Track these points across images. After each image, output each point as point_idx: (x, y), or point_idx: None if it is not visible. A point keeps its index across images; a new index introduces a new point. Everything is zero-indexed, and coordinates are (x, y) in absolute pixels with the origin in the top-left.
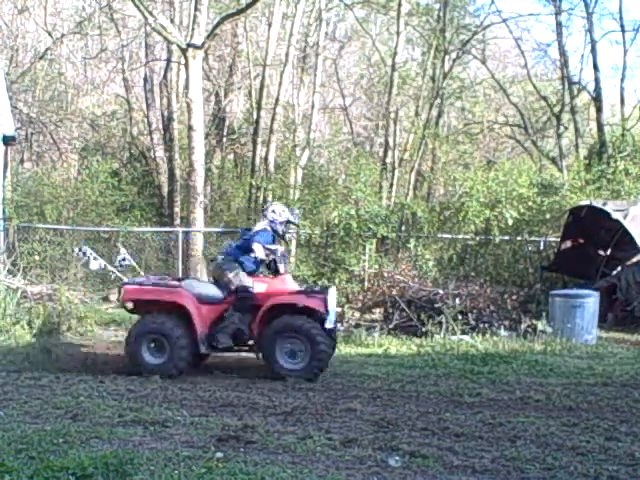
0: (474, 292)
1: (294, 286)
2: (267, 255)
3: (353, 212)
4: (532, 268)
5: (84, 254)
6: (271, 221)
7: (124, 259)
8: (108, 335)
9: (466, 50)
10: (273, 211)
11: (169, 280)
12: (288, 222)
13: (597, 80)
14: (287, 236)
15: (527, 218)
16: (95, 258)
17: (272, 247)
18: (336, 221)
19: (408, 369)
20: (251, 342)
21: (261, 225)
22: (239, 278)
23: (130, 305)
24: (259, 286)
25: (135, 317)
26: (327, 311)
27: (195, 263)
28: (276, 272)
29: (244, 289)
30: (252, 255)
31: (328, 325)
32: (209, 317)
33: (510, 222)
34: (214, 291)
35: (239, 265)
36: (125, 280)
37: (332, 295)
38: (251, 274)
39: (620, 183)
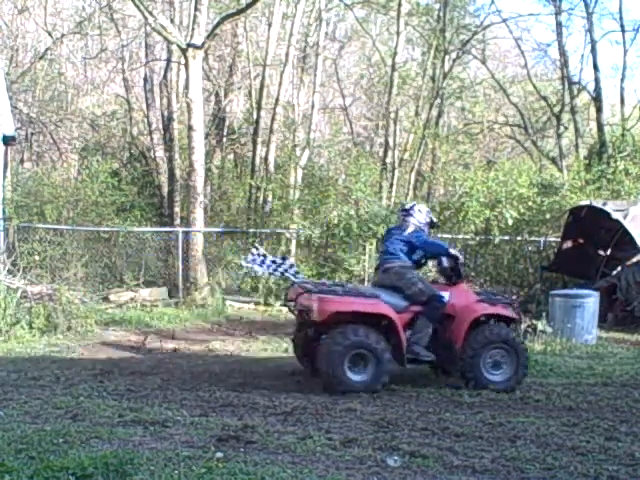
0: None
1: (472, 293)
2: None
3: (353, 212)
4: (532, 268)
5: (259, 255)
6: (420, 223)
7: (291, 265)
8: (108, 335)
9: (466, 50)
10: (419, 211)
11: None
12: (431, 223)
13: (597, 80)
14: None
15: (527, 218)
16: (263, 263)
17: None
18: (336, 221)
19: (408, 369)
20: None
21: (412, 226)
22: (428, 286)
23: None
24: (445, 294)
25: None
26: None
27: (195, 263)
28: (457, 277)
29: (438, 298)
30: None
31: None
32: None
33: (510, 222)
34: (398, 300)
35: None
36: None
37: None
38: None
39: (620, 183)
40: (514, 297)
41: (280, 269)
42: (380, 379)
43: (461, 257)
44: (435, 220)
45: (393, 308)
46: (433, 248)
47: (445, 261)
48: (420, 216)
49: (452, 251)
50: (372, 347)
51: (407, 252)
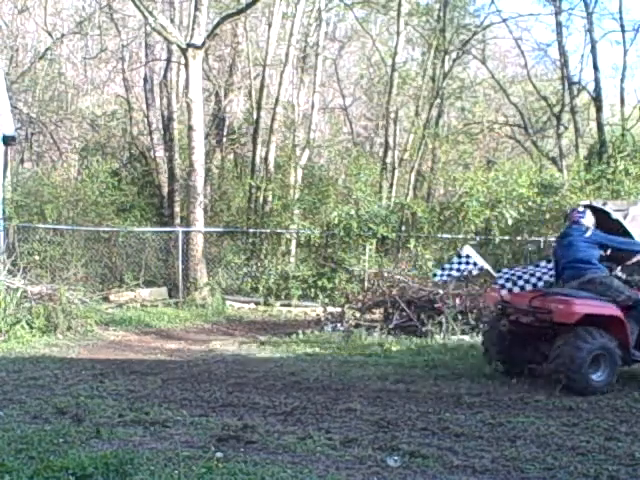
0: (474, 292)
1: None
2: None
3: (353, 212)
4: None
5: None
6: (591, 223)
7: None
8: (108, 335)
9: (466, 50)
10: (589, 214)
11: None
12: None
13: (597, 80)
14: None
15: (527, 218)
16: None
17: None
18: (336, 221)
19: (408, 369)
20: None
21: (590, 226)
22: (632, 292)
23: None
24: None
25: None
26: None
27: (195, 263)
28: None
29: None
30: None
31: None
32: None
33: (510, 222)
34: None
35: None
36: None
37: None
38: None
39: (620, 183)
40: None
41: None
42: (612, 380)
43: None
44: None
45: None
46: (628, 245)
47: None
48: (591, 219)
49: None
50: (609, 349)
51: (597, 257)
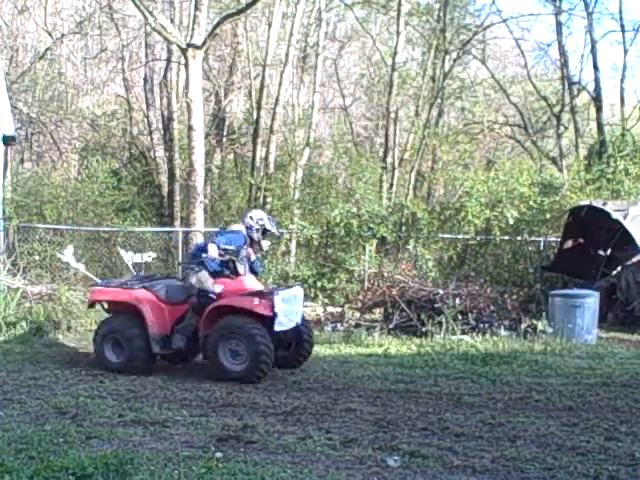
0: (474, 292)
1: (254, 287)
2: (221, 255)
3: (355, 210)
4: (532, 268)
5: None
6: (247, 227)
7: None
8: None
9: (466, 50)
10: (251, 217)
11: None
12: (265, 230)
13: (597, 80)
14: (263, 243)
15: (527, 218)
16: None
17: (229, 247)
18: (337, 220)
19: (408, 369)
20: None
21: (236, 227)
22: (200, 279)
23: None
24: (218, 287)
25: None
26: (274, 313)
27: None
28: (236, 273)
29: (205, 293)
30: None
31: (277, 327)
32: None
33: (511, 222)
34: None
35: (203, 266)
36: None
37: (288, 296)
38: (214, 275)
39: (620, 183)
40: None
41: None
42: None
43: (209, 253)
44: (270, 227)
45: (167, 299)
46: (202, 247)
47: (215, 254)
48: (250, 222)
49: (208, 246)
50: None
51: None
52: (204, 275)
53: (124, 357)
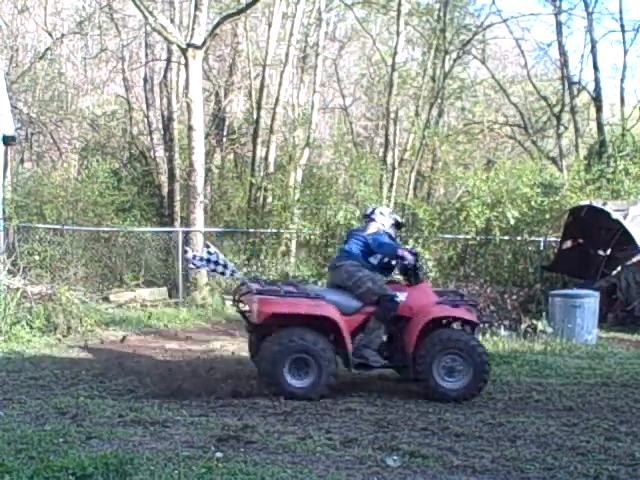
0: (474, 292)
1: (433, 294)
2: (415, 261)
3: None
4: (532, 268)
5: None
6: (381, 225)
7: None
8: (108, 335)
9: (466, 50)
10: (381, 213)
11: None
12: (396, 224)
13: (597, 80)
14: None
15: (527, 218)
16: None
17: (414, 251)
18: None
19: None
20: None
21: (374, 227)
22: (378, 285)
23: None
24: (401, 295)
25: None
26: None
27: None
28: (414, 279)
29: (389, 299)
30: (394, 261)
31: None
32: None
33: (512, 222)
34: (349, 301)
35: (372, 270)
36: None
37: None
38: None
39: (620, 183)
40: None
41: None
42: (322, 383)
43: (410, 259)
44: (401, 220)
45: (342, 310)
46: (384, 250)
47: (408, 260)
48: (383, 219)
49: (400, 252)
50: (313, 350)
51: (363, 253)
52: (380, 280)
53: (312, 380)
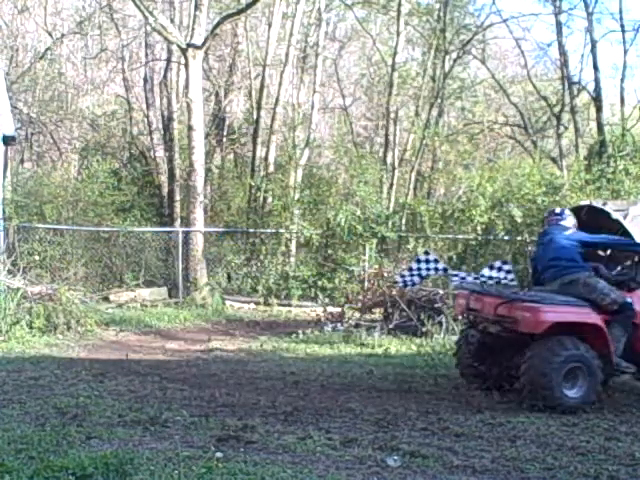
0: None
1: None
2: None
3: (359, 213)
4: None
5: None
6: (573, 224)
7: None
8: (108, 335)
9: (466, 50)
10: (568, 213)
11: None
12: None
13: (597, 80)
14: None
15: (529, 219)
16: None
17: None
18: (343, 222)
19: (408, 369)
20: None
21: (571, 227)
22: (618, 295)
23: None
24: (629, 299)
25: None
26: None
27: (195, 263)
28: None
29: (629, 306)
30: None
31: None
32: None
33: (519, 220)
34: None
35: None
36: None
37: None
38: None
39: (620, 183)
40: None
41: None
42: (593, 394)
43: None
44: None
45: None
46: (622, 243)
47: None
48: (572, 220)
49: None
50: (586, 360)
51: (582, 258)
52: (609, 286)
53: (584, 389)
